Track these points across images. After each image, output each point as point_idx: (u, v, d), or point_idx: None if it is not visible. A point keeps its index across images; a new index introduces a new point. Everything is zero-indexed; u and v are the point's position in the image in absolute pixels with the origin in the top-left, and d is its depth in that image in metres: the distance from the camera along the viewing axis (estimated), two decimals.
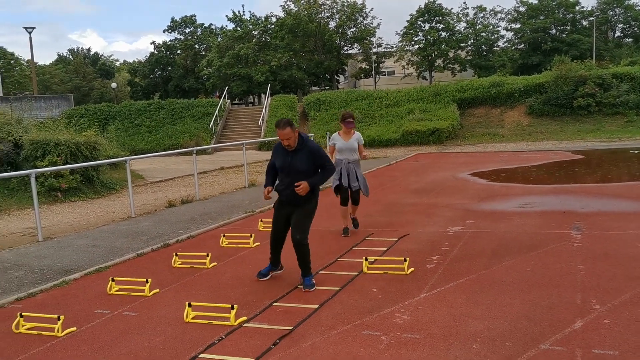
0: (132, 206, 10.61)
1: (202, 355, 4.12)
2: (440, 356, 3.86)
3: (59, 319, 4.75)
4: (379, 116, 28.25)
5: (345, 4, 48.85)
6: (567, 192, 10.49)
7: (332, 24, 50.23)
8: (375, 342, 4.16)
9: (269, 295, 5.40)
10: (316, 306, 4.99)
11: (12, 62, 65.62)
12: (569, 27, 51.57)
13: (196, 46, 59.48)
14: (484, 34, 51.16)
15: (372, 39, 51.16)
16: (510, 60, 50.47)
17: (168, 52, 60.04)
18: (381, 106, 29.18)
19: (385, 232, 7.81)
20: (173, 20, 59.91)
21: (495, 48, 52.57)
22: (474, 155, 19.49)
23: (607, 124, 24.63)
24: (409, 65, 51.49)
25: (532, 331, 4.16)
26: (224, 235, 7.76)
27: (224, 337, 4.44)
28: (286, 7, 48.51)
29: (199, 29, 60.57)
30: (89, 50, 78.88)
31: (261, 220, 8.68)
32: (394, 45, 52.65)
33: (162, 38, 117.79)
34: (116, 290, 5.77)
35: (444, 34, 50.16)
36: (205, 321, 4.77)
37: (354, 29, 50.89)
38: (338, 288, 5.48)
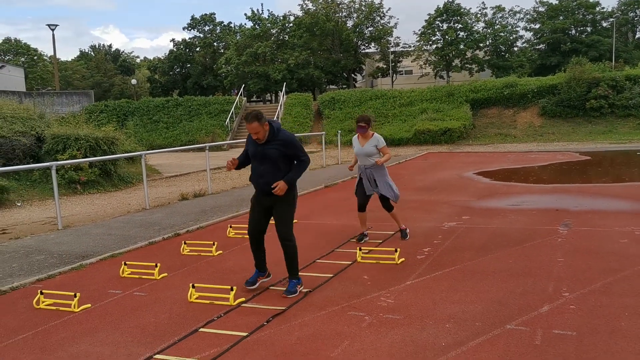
0: (146, 198, 11.13)
1: (202, 329, 4.57)
2: (415, 334, 4.27)
3: (75, 296, 5.25)
4: (392, 115, 28.60)
5: (363, 4, 49.19)
6: (564, 192, 10.80)
7: (349, 23, 50.60)
8: (358, 321, 4.58)
9: (269, 281, 5.83)
10: (309, 290, 5.42)
11: (35, 58, 67.10)
12: (588, 28, 51.32)
13: (215, 44, 60.24)
14: (502, 34, 51.07)
15: (389, 38, 51.44)
16: (529, 60, 50.38)
17: (187, 50, 60.87)
18: (395, 105, 29.52)
19: (383, 226, 8.21)
20: (193, 18, 60.76)
21: (513, 48, 52.46)
22: (483, 155, 19.76)
23: (620, 125, 24.70)
24: (427, 65, 51.64)
25: (502, 314, 4.55)
26: (230, 226, 8.22)
27: (222, 314, 4.89)
28: (304, 6, 49.02)
29: (218, 27, 61.35)
30: (110, 46, 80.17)
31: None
32: (412, 45, 52.89)
33: (182, 35, 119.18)
34: (128, 274, 6.25)
35: (462, 33, 50.18)
36: (207, 301, 5.22)
37: (371, 28, 51.20)
38: (331, 275, 5.90)
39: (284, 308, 4.96)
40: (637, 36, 54.90)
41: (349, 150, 24.39)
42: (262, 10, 54.43)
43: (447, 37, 49.31)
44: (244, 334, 4.42)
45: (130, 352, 4.19)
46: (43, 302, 5.35)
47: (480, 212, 9.07)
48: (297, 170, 5.38)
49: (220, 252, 7.11)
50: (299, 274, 5.47)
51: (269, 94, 56.37)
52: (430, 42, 50.94)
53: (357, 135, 7.31)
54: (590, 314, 4.47)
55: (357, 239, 7.39)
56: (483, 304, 4.80)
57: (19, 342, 4.48)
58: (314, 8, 48.39)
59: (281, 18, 52.51)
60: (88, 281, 6.12)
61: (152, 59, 79.45)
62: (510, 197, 10.47)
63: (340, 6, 49.25)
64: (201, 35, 60.90)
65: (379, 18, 50.05)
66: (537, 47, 52.80)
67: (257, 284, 5.54)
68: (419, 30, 51.62)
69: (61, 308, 5.20)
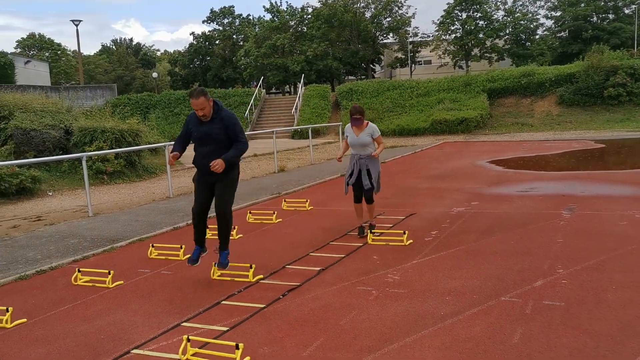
0: (170, 187, 11.68)
1: (224, 302, 5.04)
2: (417, 305, 4.69)
3: (109, 273, 5.77)
4: (410, 106, 28.85)
5: None
6: (574, 178, 11.08)
7: (367, 14, 50.70)
8: (366, 295, 5.01)
9: (284, 260, 6.29)
10: (322, 268, 5.86)
11: (58, 53, 68.39)
12: (610, 15, 50.67)
13: (234, 36, 60.82)
14: (522, 22, 50.66)
15: (407, 28, 51.44)
16: (550, 49, 49.98)
17: (207, 43, 61.53)
18: (412, 96, 29.75)
19: (395, 212, 8.61)
20: (212, 11, 61.38)
21: (534, 37, 52.03)
22: (498, 144, 19.99)
23: (638, 114, 24.64)
24: (445, 55, 51.56)
25: (498, 288, 4.94)
26: (250, 212, 8.70)
27: (242, 290, 5.36)
28: None
29: (237, 20, 61.89)
30: (131, 40, 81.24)
31: (285, 201, 9.60)
32: (431, 35, 52.79)
33: (202, 28, 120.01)
34: (155, 255, 6.76)
35: (481, 22, 49.95)
36: (228, 278, 5.70)
37: (390, 18, 51.25)
38: (343, 255, 6.34)
39: (298, 284, 5.41)
40: None
41: None
42: (281, 3, 54.66)
43: (466, 26, 49.15)
44: (262, 305, 4.89)
45: (160, 320, 4.68)
46: (80, 279, 5.87)
47: (489, 198, 9.42)
48: (235, 151, 5.37)
49: (241, 235, 7.59)
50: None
51: (287, 86, 56.82)
52: (449, 32, 50.83)
53: (350, 124, 7.19)
54: (580, 288, 4.84)
55: (357, 234, 7.21)
56: (481, 280, 5.19)
57: (61, 313, 5.00)
58: None
59: (299, 10, 52.85)
60: (119, 262, 6.64)
61: (172, 52, 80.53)
62: (520, 184, 10.78)
63: None
64: (220, 28, 61.50)
65: (397, 8, 50.08)
66: (558, 35, 52.29)
67: (200, 261, 5.74)
68: (438, 19, 51.56)
69: (97, 284, 5.73)
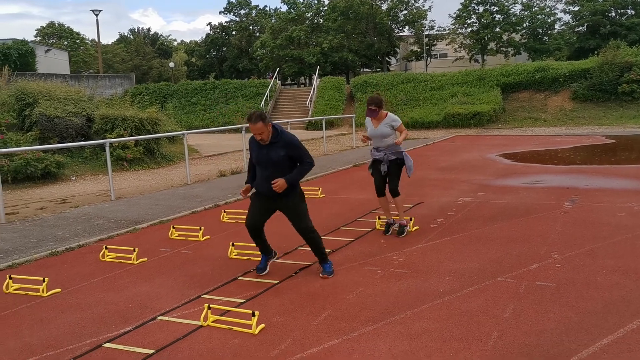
0: (188, 174, 12.13)
1: (240, 278, 5.45)
2: (419, 284, 5.06)
3: (134, 250, 6.21)
4: (423, 99, 29.07)
5: None
6: (580, 172, 11.35)
7: (384, 7, 50.79)
8: (372, 274, 5.40)
9: (297, 242, 6.66)
10: (332, 250, 6.25)
11: (77, 41, 69.31)
12: (629, 11, 50.22)
13: (251, 27, 61.22)
14: (540, 17, 50.43)
15: (423, 21, 51.48)
16: (567, 44, 49.74)
17: (223, 33, 62.02)
18: (426, 89, 29.96)
19: (403, 201, 8.96)
20: (229, 2, 61.77)
21: (551, 31, 51.77)
22: (510, 138, 20.22)
23: None
24: (461, 48, 51.53)
25: (495, 270, 5.30)
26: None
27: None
28: None
29: (253, 11, 62.26)
30: (148, 30, 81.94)
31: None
32: (447, 28, 52.77)
33: (219, 19, 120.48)
34: (176, 236, 7.20)
35: (498, 16, 49.83)
36: (245, 257, 6.11)
37: (406, 11, 51.31)
38: (352, 239, 6.73)
39: (309, 263, 5.81)
40: None
41: None
42: None
43: (482, 20, 49.08)
44: (276, 281, 5.29)
45: (182, 293, 5.10)
46: (107, 255, 6.33)
47: (495, 189, 9.74)
48: (300, 171, 5.29)
49: None
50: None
51: (302, 77, 57.16)
52: (466, 25, 50.78)
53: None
54: (572, 271, 5.18)
55: (383, 231, 6.96)
56: (481, 262, 5.55)
57: (91, 285, 5.45)
58: None
59: (316, 2, 53.12)
60: (142, 241, 7.08)
61: (188, 42, 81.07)
62: (526, 176, 11.08)
63: None
64: (237, 19, 61.91)
65: (413, 1, 50.14)
66: (576, 30, 51.95)
67: (268, 269, 5.62)
68: (454, 13, 51.52)
69: (123, 261, 6.17)
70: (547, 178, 10.72)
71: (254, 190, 5.53)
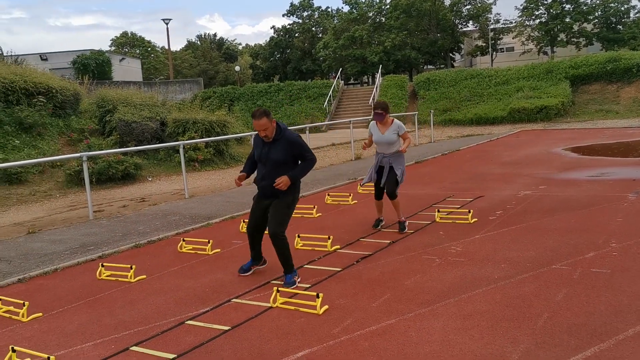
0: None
1: (306, 266, 5.86)
2: (474, 271, 5.30)
3: (208, 242, 6.76)
4: (488, 95, 28.70)
5: None
6: None
7: (446, 2, 50.23)
8: (429, 262, 5.68)
9: (358, 234, 7.04)
10: (392, 241, 6.57)
11: (149, 49, 72.44)
12: None
13: (313, 29, 61.96)
14: (613, 5, 48.33)
15: (488, 15, 50.52)
16: None
17: (287, 36, 63.09)
18: (490, 85, 29.56)
19: (464, 195, 9.15)
20: (292, 5, 62.76)
21: (626, 19, 49.50)
22: (578, 131, 19.74)
23: None
24: (529, 41, 50.17)
25: (551, 258, 5.46)
26: (328, 194, 9.53)
27: (322, 257, 6.17)
28: None
29: (316, 12, 62.98)
30: (214, 35, 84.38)
31: (360, 185, 10.33)
32: (513, 21, 51.54)
33: (282, 22, 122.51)
34: (246, 229, 7.71)
35: (568, 6, 48.17)
36: (309, 247, 6.53)
37: (469, 6, 50.53)
38: (412, 231, 7.01)
39: (370, 253, 6.15)
40: None
41: (442, 130, 25.01)
42: None
43: (551, 10, 47.59)
44: (339, 269, 5.67)
45: (254, 279, 5.57)
46: (185, 247, 6.91)
47: (557, 182, 9.73)
48: (302, 168, 5.34)
49: (320, 214, 8.42)
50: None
51: (365, 76, 57.35)
52: (533, 17, 49.41)
53: (374, 121, 6.98)
54: (628, 259, 5.27)
55: (373, 225, 7.33)
56: (537, 251, 5.72)
57: (172, 272, 6.02)
58: None
59: (378, 1, 53.13)
60: (215, 235, 7.64)
61: (253, 45, 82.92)
62: (592, 169, 10.95)
63: None
64: (300, 21, 62.81)
65: None
66: None
67: (251, 271, 5.73)
68: (521, 5, 50.18)
69: (199, 252, 6.73)
70: (613, 171, 10.56)
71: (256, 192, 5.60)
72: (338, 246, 6.50)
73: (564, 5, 47.79)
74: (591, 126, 21.61)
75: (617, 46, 42.52)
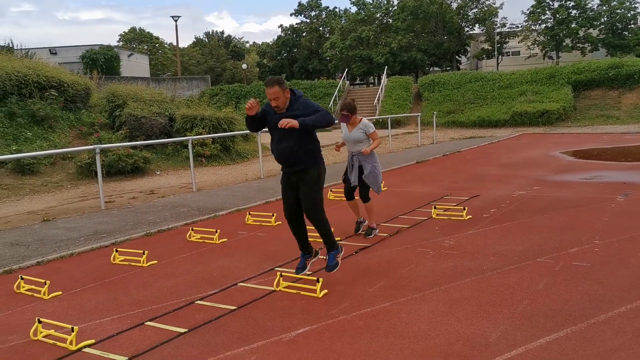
0: (261, 169, 13.12)
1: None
2: (465, 262, 5.68)
3: (216, 232, 7.16)
4: (491, 98, 29.05)
5: None
6: None
7: (453, 5, 50.57)
8: (424, 254, 6.06)
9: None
10: (390, 234, 6.95)
11: (157, 45, 72.98)
12: None
13: (320, 29, 62.35)
14: (619, 11, 48.55)
15: (495, 19, 50.84)
16: None
17: (294, 35, 63.51)
18: (494, 88, 29.91)
19: (461, 193, 9.52)
20: (300, 4, 63.18)
21: (631, 26, 49.70)
22: (577, 136, 20.09)
23: None
24: (535, 46, 50.44)
25: (537, 252, 5.83)
26: (331, 190, 9.91)
27: (322, 247, 6.54)
28: None
29: (323, 12, 63.39)
30: (222, 33, 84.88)
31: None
32: (519, 25, 51.83)
33: (290, 21, 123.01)
34: (251, 222, 8.11)
35: (574, 11, 48.43)
36: (311, 239, 6.88)
37: (476, 9, 50.85)
38: (409, 225, 7.39)
39: (368, 245, 6.54)
40: None
41: (445, 131, 25.37)
42: None
43: (557, 15, 47.86)
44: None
45: (258, 266, 5.96)
46: (193, 236, 7.31)
47: (551, 184, 10.09)
48: (316, 117, 4.88)
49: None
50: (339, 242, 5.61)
51: (371, 77, 57.72)
52: (540, 22, 49.67)
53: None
54: (608, 254, 5.64)
55: (354, 229, 7.21)
56: (524, 246, 6.09)
57: (181, 258, 6.42)
58: None
59: (385, 2, 53.52)
60: (222, 225, 8.03)
61: (260, 44, 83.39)
62: (585, 172, 11.31)
63: None
64: (307, 21, 63.23)
65: None
66: None
67: (308, 267, 5.44)
68: (528, 9, 50.46)
69: (207, 241, 7.12)
70: (605, 174, 10.92)
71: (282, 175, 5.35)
72: (339, 238, 6.85)
73: (570, 11, 48.03)
74: (591, 131, 21.95)
75: (622, 52, 42.72)
